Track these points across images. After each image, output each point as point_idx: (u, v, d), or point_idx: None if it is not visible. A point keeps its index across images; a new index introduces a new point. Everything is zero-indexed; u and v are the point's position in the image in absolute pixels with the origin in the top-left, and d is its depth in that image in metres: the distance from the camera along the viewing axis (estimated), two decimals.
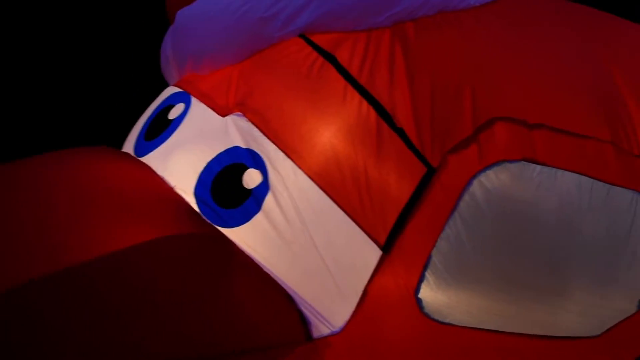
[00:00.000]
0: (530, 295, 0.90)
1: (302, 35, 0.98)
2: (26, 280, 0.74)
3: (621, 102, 0.97)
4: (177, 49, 1.10)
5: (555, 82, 0.96)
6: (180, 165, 0.98)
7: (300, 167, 0.90)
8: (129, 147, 1.11)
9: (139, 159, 1.04)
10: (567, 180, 0.91)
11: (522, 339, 0.91)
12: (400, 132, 0.88)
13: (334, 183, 0.89)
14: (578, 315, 0.93)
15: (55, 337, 0.74)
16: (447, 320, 0.88)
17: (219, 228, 0.92)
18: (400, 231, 0.87)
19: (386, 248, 0.86)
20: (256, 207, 0.91)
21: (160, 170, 0.99)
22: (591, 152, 0.93)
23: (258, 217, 0.90)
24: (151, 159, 1.02)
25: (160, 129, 1.06)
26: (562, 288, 0.92)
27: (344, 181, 0.89)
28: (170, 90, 1.13)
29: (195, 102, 1.04)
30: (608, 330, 0.95)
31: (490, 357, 0.91)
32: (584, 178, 0.92)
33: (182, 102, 1.06)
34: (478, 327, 0.89)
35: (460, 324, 0.89)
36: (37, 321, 0.74)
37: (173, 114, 1.06)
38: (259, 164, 0.92)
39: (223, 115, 0.98)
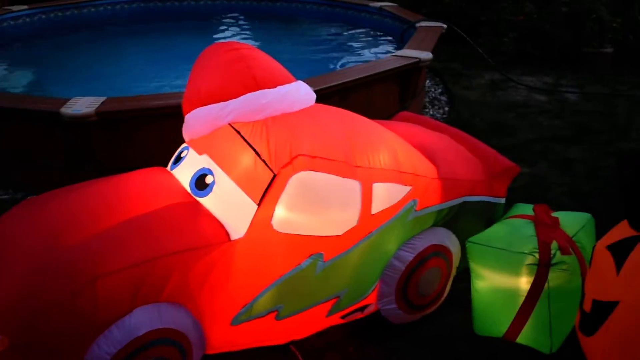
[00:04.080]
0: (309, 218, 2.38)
1: (229, 124, 2.44)
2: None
3: (349, 144, 2.46)
4: (186, 130, 2.58)
5: (324, 138, 2.43)
6: (184, 175, 2.46)
7: (227, 174, 2.35)
8: (169, 166, 2.59)
9: (171, 172, 2.53)
10: (327, 178, 2.37)
11: (317, 237, 2.38)
12: (265, 162, 2.32)
13: (241, 180, 2.32)
14: (335, 226, 2.42)
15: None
16: (283, 231, 2.33)
17: (196, 198, 2.37)
18: (264, 197, 2.30)
19: (259, 205, 2.30)
20: (210, 190, 2.36)
21: (178, 176, 2.48)
22: (338, 166, 2.39)
23: (211, 194, 2.35)
24: (175, 172, 2.52)
25: (178, 160, 2.55)
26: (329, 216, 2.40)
27: (242, 180, 2.32)
28: (184, 145, 2.60)
29: (190, 150, 2.51)
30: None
31: (301, 245, 2.36)
32: (336, 177, 2.37)
33: (186, 149, 2.53)
34: (294, 232, 2.34)
35: (287, 232, 2.33)
36: None
37: (183, 154, 2.54)
38: (212, 173, 2.37)
39: (200, 154, 2.43)
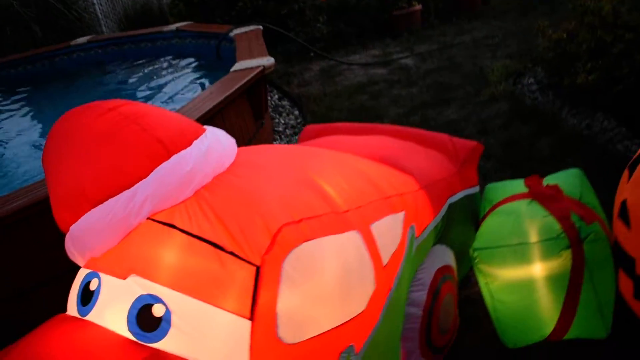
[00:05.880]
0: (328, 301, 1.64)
1: (149, 218, 1.59)
2: None
3: (318, 188, 1.76)
4: (78, 248, 1.61)
5: (289, 190, 1.70)
6: (113, 316, 1.52)
7: (183, 293, 1.50)
8: (72, 311, 1.62)
9: (84, 318, 1.56)
10: (323, 243, 1.62)
11: (341, 327, 1.65)
12: (235, 255, 1.53)
13: (208, 294, 1.51)
14: (355, 302, 1.71)
15: None
16: (297, 340, 1.54)
17: (148, 344, 1.50)
18: (255, 305, 1.51)
19: (252, 318, 1.49)
20: (167, 325, 1.50)
21: (102, 322, 1.52)
22: (328, 221, 1.66)
23: (172, 330, 1.49)
24: (93, 318, 1.55)
25: (89, 297, 1.59)
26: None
27: (211, 292, 1.50)
28: (84, 271, 1.64)
29: (103, 277, 1.57)
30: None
31: (325, 348, 1.61)
32: (333, 237, 1.66)
33: (95, 277, 1.59)
34: (311, 335, 1.57)
35: (302, 339, 1.55)
36: None
37: (93, 286, 1.59)
38: (159, 300, 1.51)
39: (124, 278, 1.54)
